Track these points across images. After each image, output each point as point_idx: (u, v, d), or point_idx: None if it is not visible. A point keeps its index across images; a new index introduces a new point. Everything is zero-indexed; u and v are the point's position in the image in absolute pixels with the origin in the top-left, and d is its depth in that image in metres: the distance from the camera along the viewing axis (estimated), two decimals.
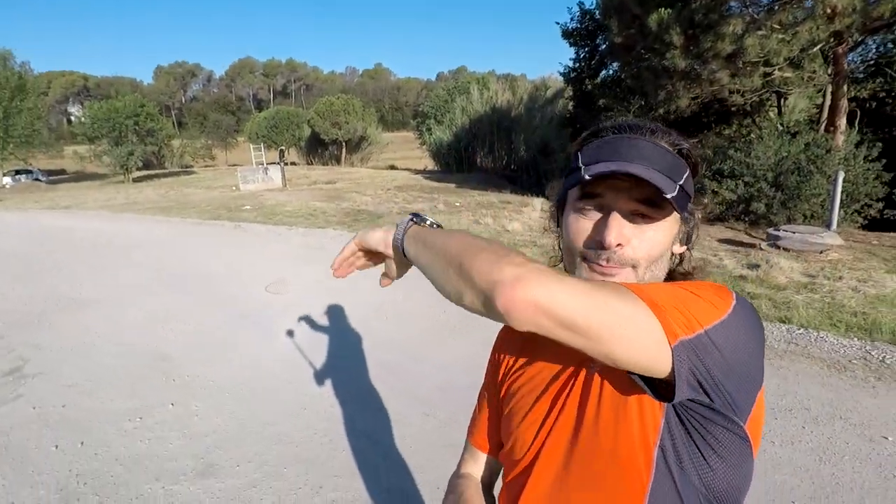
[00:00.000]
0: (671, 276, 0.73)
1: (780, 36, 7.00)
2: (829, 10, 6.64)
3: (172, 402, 3.17)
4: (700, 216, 0.74)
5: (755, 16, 7.05)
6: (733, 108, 11.49)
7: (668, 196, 0.60)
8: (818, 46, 7.74)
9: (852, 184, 8.56)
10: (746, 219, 8.79)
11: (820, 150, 8.48)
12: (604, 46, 12.19)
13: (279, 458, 2.62)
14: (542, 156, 17.09)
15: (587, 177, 0.63)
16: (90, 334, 4.33)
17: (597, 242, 0.64)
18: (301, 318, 4.50)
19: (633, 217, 0.65)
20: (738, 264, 5.89)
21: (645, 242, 0.65)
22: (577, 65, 13.09)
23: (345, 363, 3.74)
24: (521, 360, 0.79)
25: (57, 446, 2.70)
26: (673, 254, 0.72)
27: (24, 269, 6.65)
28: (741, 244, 7.27)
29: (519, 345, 0.81)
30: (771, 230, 7.05)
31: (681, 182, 0.64)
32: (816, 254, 6.29)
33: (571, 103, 15.15)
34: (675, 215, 0.67)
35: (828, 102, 9.22)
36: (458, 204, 11.62)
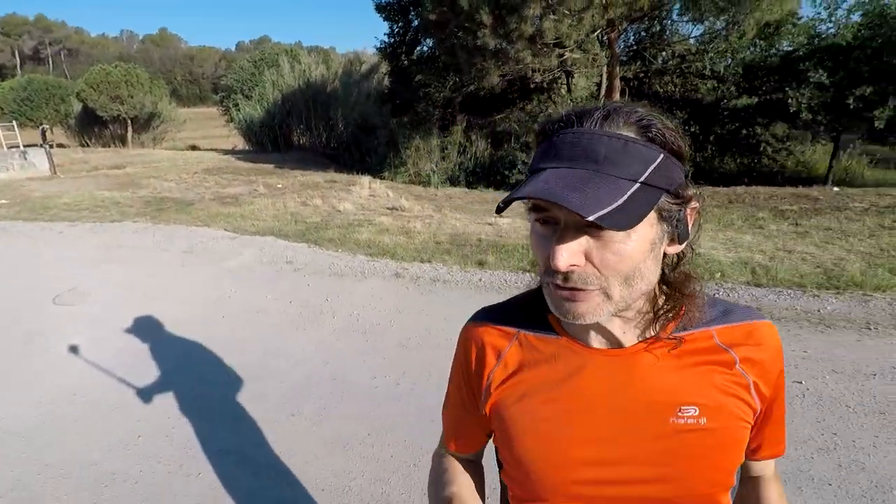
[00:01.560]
0: (667, 282, 0.68)
1: (570, 21, 7.92)
2: (604, 1, 7.72)
3: None
4: (696, 206, 0.63)
5: (549, 1, 7.85)
6: (532, 86, 12.76)
7: (591, 218, 0.50)
8: (597, 32, 8.98)
9: None
10: None
11: None
12: (417, 22, 12.41)
13: (115, 502, 2.18)
14: (362, 132, 16.87)
15: (500, 205, 0.58)
16: None
17: (549, 265, 0.57)
18: (112, 331, 3.80)
19: (590, 229, 0.56)
20: None
21: (610, 257, 0.56)
22: (393, 40, 13.14)
23: (182, 375, 3.26)
24: (542, 384, 0.70)
25: None
26: (666, 254, 0.65)
27: None
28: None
29: (530, 362, 0.72)
30: None
31: (642, 178, 0.55)
32: None
33: (389, 78, 15.20)
34: (651, 214, 0.57)
35: (605, 81, 10.82)
36: (279, 186, 10.90)
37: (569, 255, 0.55)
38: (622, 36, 11.50)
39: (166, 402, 2.93)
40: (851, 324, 3.47)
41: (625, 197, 0.53)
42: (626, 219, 0.52)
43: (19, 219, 7.70)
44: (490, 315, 0.79)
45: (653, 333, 0.68)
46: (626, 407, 0.67)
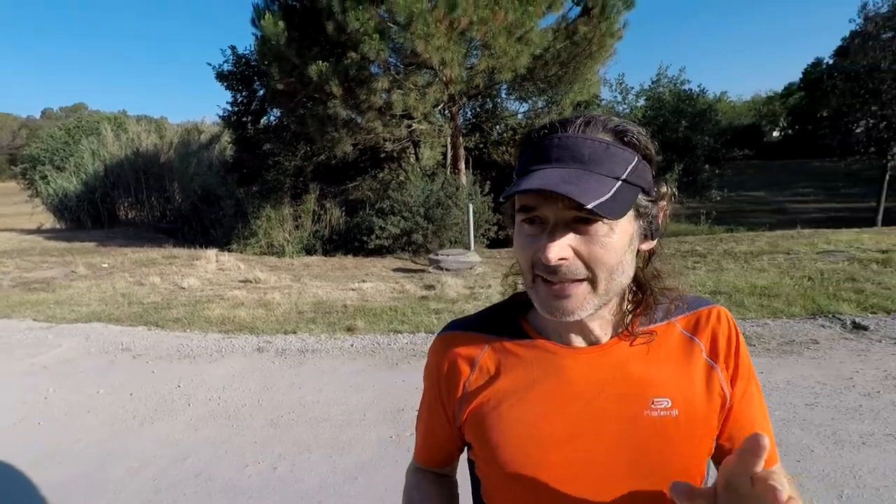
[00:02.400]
0: (637, 279, 0.71)
1: (416, 95, 8.51)
2: (445, 78, 8.49)
3: None
4: (666, 204, 0.69)
5: (396, 76, 8.38)
6: (383, 155, 13.25)
7: (590, 206, 0.55)
8: (440, 106, 9.76)
9: (477, 213, 11.04)
10: (410, 248, 10.19)
11: (452, 188, 10.62)
12: (262, 92, 12.25)
13: None
14: (204, 204, 15.70)
15: (501, 198, 0.62)
16: None
17: (539, 260, 0.61)
18: None
19: (577, 225, 0.60)
20: (417, 287, 6.75)
21: (598, 250, 0.60)
22: (237, 108, 12.72)
23: None
24: (520, 387, 0.72)
25: None
26: (640, 251, 0.69)
27: None
28: (412, 270, 8.36)
29: (506, 367, 0.74)
30: (431, 256, 8.40)
31: (623, 176, 0.60)
32: (468, 270, 7.80)
33: (234, 147, 14.59)
34: (630, 211, 0.62)
35: (450, 151, 11.69)
36: (105, 265, 9.53)
37: (559, 248, 0.59)
38: (462, 110, 12.66)
39: None
40: None
41: (612, 191, 0.58)
42: (616, 208, 0.57)
43: None
44: (461, 325, 0.81)
45: (625, 329, 0.71)
46: (602, 403, 0.68)
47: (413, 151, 13.59)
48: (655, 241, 0.70)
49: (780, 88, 40.13)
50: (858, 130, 14.83)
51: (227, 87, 12.36)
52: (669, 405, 0.67)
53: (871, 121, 13.99)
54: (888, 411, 2.92)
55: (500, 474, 0.72)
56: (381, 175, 13.79)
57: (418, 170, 12.18)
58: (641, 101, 13.07)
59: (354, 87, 8.14)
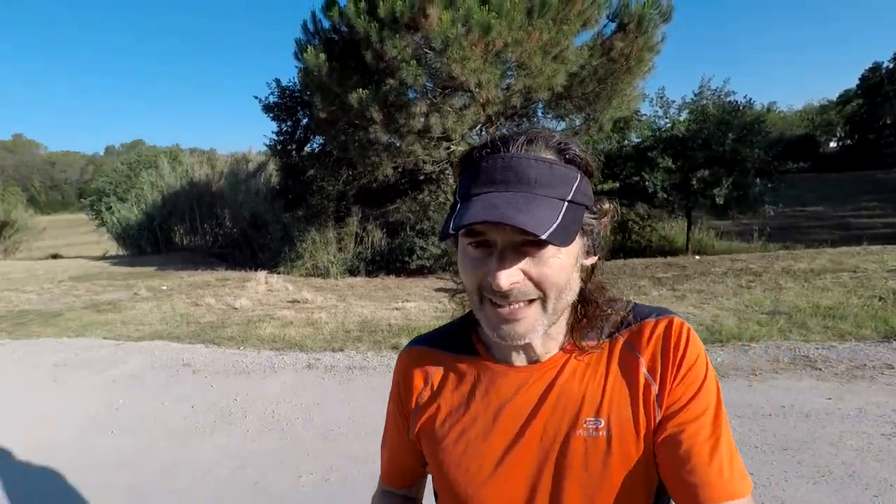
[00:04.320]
0: (582, 293, 0.69)
1: (454, 117, 8.71)
2: (482, 100, 8.66)
3: None
4: (607, 220, 0.68)
5: (434, 100, 8.62)
6: (422, 177, 13.52)
7: (544, 236, 0.54)
8: (478, 127, 9.91)
9: None
10: (451, 268, 10.32)
11: None
12: (306, 121, 12.80)
13: None
14: (253, 229, 16.40)
15: (451, 230, 0.58)
16: None
17: (489, 286, 0.59)
18: None
19: (526, 248, 0.59)
20: (458, 306, 6.78)
21: (547, 272, 0.59)
22: (282, 137, 13.34)
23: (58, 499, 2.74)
24: (461, 405, 0.72)
25: None
26: (584, 266, 0.68)
27: None
28: (454, 290, 8.45)
29: (452, 384, 0.74)
30: None
31: (569, 197, 0.59)
32: None
33: (280, 174, 15.23)
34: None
35: None
36: (164, 288, 10.08)
37: (511, 273, 0.58)
38: (499, 131, 12.78)
39: None
40: (739, 371, 3.88)
41: (560, 215, 0.57)
42: (566, 235, 0.56)
43: None
44: (421, 341, 0.83)
45: (569, 345, 0.69)
46: (534, 421, 0.66)
47: (452, 172, 13.79)
48: (597, 256, 0.69)
49: (834, 96, 38.37)
50: None
51: (273, 118, 12.99)
52: (601, 425, 0.64)
53: None
54: None
55: (445, 491, 0.72)
56: (420, 197, 14.04)
57: None
58: (684, 115, 12.80)
59: (394, 112, 8.41)
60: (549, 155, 0.60)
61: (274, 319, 6.66)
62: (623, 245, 14.39)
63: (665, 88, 13.21)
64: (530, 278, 0.59)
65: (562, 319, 0.68)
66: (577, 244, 0.63)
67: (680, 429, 0.62)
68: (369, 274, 12.65)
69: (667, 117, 13.08)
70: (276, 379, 4.42)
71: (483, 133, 11.21)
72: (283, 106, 12.91)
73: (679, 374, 0.64)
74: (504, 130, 14.80)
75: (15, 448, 3.36)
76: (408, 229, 13.46)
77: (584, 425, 0.64)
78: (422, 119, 8.61)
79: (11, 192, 24.63)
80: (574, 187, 0.60)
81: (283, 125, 13.25)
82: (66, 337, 6.13)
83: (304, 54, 8.61)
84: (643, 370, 0.65)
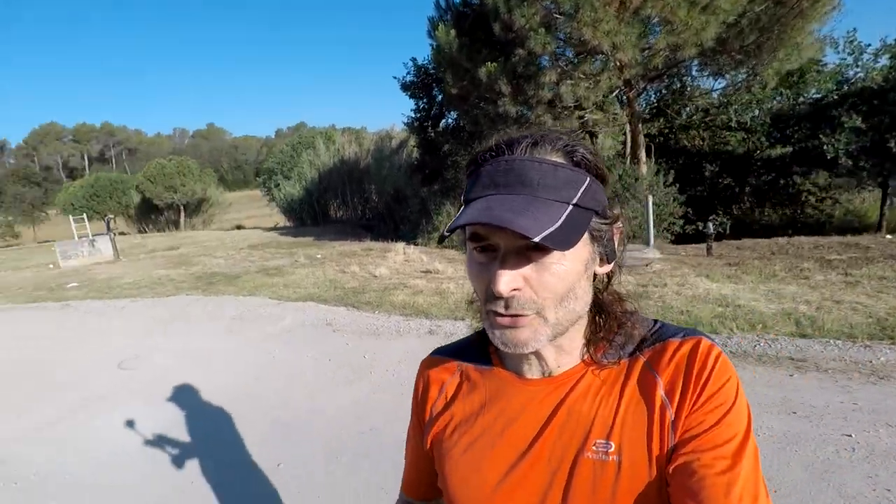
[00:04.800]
0: (598, 304, 0.66)
1: (587, 84, 8.31)
2: (618, 63, 8.11)
3: None
4: (621, 227, 0.65)
5: (564, 67, 8.30)
6: None
7: (537, 239, 0.51)
8: (615, 93, 9.35)
9: (658, 206, 10.27)
10: None
11: (630, 179, 10.08)
12: (440, 97, 13.20)
13: None
14: (395, 203, 17.57)
15: (445, 233, 0.58)
16: None
17: (490, 292, 0.58)
18: (166, 394, 4.00)
19: (530, 252, 0.57)
20: None
21: (548, 278, 0.57)
22: (419, 115, 13.97)
23: (227, 433, 3.39)
24: (470, 416, 0.71)
25: None
26: (597, 275, 0.65)
27: None
28: None
29: (465, 394, 0.73)
30: None
31: (574, 200, 0.57)
32: (643, 267, 7.37)
33: (418, 151, 16.00)
34: (584, 235, 0.58)
35: (629, 139, 11.07)
36: (319, 256, 11.35)
37: (510, 279, 0.56)
38: (642, 95, 11.87)
39: (215, 455, 3.04)
40: None
41: (562, 218, 0.55)
42: (566, 238, 0.54)
43: (88, 298, 8.29)
44: (441, 351, 0.82)
45: (583, 360, 0.66)
46: (543, 439, 0.64)
47: (590, 143, 13.21)
48: (612, 263, 0.65)
49: None
50: None
51: (410, 96, 13.61)
52: (612, 449, 0.60)
53: None
54: None
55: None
56: None
57: None
58: (884, 61, 10.53)
59: (522, 84, 8.30)
60: (556, 157, 0.58)
61: (406, 288, 7.16)
62: (794, 219, 12.55)
63: (857, 30, 10.88)
64: (530, 285, 0.57)
65: (576, 332, 0.65)
66: (586, 250, 0.60)
67: (694, 457, 0.56)
68: None
69: (858, 66, 10.91)
70: (401, 342, 4.82)
71: (623, 99, 10.52)
72: (419, 84, 13.46)
73: (700, 398, 0.59)
74: (650, 94, 13.63)
75: (201, 387, 4.18)
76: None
77: (594, 448, 0.61)
78: (552, 88, 8.37)
79: (206, 173, 29.49)
80: (581, 191, 0.58)
81: (420, 102, 13.84)
82: (241, 295, 7.33)
83: (436, 31, 8.87)
84: (660, 392, 0.61)
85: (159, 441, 3.21)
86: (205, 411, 3.70)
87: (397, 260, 10.26)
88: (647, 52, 8.32)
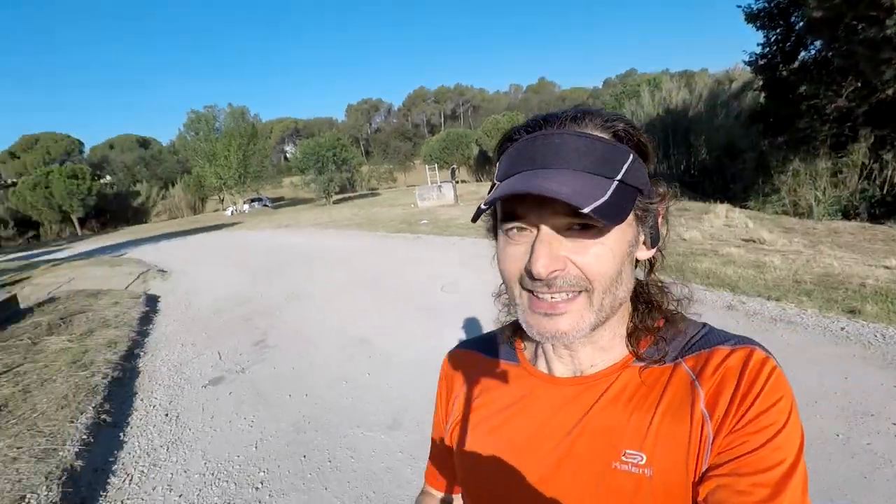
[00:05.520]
0: (641, 292, 0.61)
1: None
2: None
3: (369, 373, 3.85)
4: (665, 207, 0.59)
5: None
6: None
7: (587, 210, 0.46)
8: None
9: None
10: None
11: None
12: (800, 24, 10.68)
13: None
14: (727, 158, 15.47)
15: (482, 206, 0.53)
16: (309, 321, 5.46)
17: (528, 272, 0.53)
18: (470, 314, 4.94)
19: (570, 232, 0.52)
20: None
21: (593, 258, 0.52)
22: (767, 50, 11.61)
23: None
24: (494, 414, 0.66)
25: (290, 395, 3.57)
26: (638, 261, 0.59)
27: (264, 276, 8.54)
28: None
29: (488, 391, 0.69)
30: None
31: (619, 176, 0.52)
32: None
33: (763, 95, 13.51)
34: (630, 215, 0.53)
35: None
36: None
37: (551, 259, 0.51)
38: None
39: None
40: None
41: (609, 192, 0.50)
42: (616, 212, 0.49)
43: (432, 234, 10.86)
44: (467, 344, 0.78)
45: (620, 359, 0.61)
46: (571, 444, 0.59)
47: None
48: (655, 248, 0.59)
49: None
50: None
51: (758, 28, 11.45)
52: (643, 461, 0.54)
53: None
54: None
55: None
56: None
57: None
58: None
59: None
60: (597, 132, 0.54)
61: (717, 256, 6.52)
62: None
63: None
64: (575, 266, 0.52)
65: (614, 325, 0.59)
66: (630, 232, 0.55)
67: (730, 482, 0.50)
68: (873, 219, 9.96)
69: None
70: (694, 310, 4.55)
71: None
72: (770, 12, 11.16)
73: (746, 416, 0.51)
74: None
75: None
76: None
77: (624, 458, 0.55)
78: None
79: None
80: (625, 167, 0.52)
81: (770, 34, 11.51)
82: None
83: None
84: (701, 405, 0.54)
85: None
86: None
87: (715, 224, 9.27)
88: None
